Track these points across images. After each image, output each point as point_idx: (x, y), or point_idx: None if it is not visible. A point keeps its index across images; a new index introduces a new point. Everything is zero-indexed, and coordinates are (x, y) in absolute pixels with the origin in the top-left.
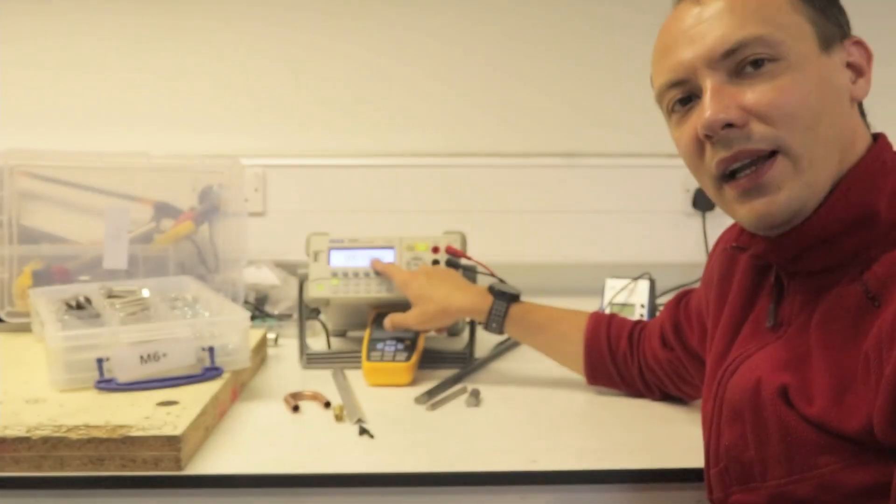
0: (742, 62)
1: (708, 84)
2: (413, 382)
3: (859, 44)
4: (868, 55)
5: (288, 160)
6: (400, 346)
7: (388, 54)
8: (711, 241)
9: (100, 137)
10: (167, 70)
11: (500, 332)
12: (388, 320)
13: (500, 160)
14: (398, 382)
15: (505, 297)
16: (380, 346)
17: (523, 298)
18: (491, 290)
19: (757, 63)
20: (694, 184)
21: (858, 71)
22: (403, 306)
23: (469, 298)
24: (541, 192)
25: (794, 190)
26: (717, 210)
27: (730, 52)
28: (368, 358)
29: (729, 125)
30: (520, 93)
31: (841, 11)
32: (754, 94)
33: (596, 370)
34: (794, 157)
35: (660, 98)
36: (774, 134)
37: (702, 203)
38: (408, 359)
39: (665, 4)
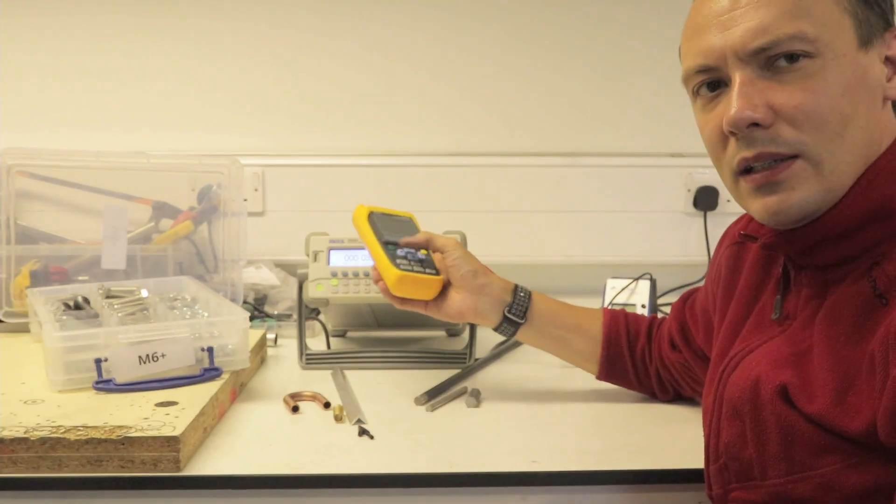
0: (775, 56)
1: (737, 77)
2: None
3: None
4: None
5: (287, 160)
6: (420, 256)
7: (388, 53)
8: (713, 241)
9: (98, 137)
10: (166, 69)
11: (523, 316)
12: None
13: (501, 160)
14: (426, 297)
15: (526, 289)
16: (401, 252)
17: None
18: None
19: (791, 57)
20: (695, 183)
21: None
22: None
23: (499, 278)
24: (541, 192)
25: (811, 193)
26: (719, 210)
27: (763, 48)
28: (396, 265)
29: (755, 124)
30: (520, 92)
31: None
32: (784, 93)
33: (613, 365)
34: (815, 162)
35: (686, 79)
36: (799, 139)
37: (703, 203)
38: (437, 273)
39: (664, 5)
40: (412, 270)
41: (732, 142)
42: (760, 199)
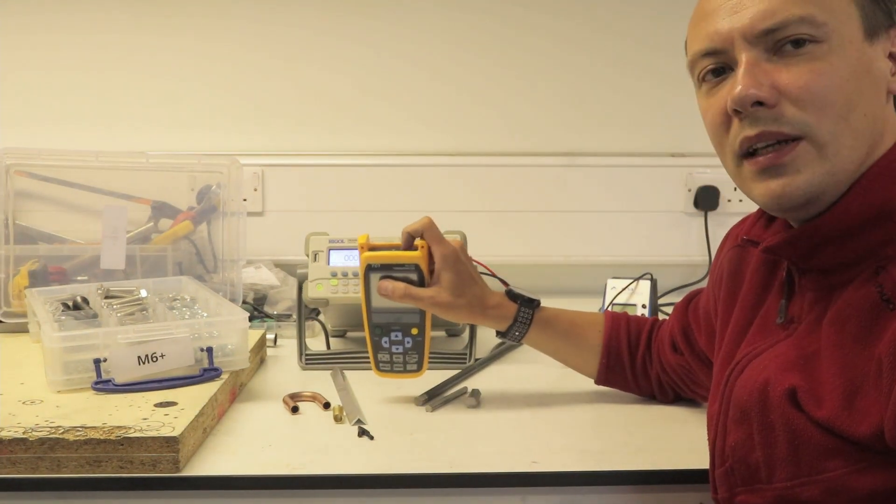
0: (782, 40)
1: (744, 58)
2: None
3: None
4: None
5: (287, 159)
6: (408, 342)
7: (388, 53)
8: (714, 241)
9: (97, 136)
10: (165, 69)
11: (521, 339)
12: (401, 287)
13: (501, 159)
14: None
15: (531, 305)
16: (385, 342)
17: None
18: (512, 295)
19: (798, 42)
20: (696, 183)
21: None
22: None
23: (497, 297)
24: (542, 192)
25: (815, 175)
26: (720, 209)
27: (771, 30)
28: (377, 364)
29: (759, 103)
30: (520, 92)
31: None
32: (790, 74)
33: (611, 371)
34: (819, 144)
35: (692, 65)
36: (803, 119)
37: (704, 202)
38: (419, 366)
39: (664, 4)
40: (391, 371)
41: (735, 123)
42: (764, 182)
